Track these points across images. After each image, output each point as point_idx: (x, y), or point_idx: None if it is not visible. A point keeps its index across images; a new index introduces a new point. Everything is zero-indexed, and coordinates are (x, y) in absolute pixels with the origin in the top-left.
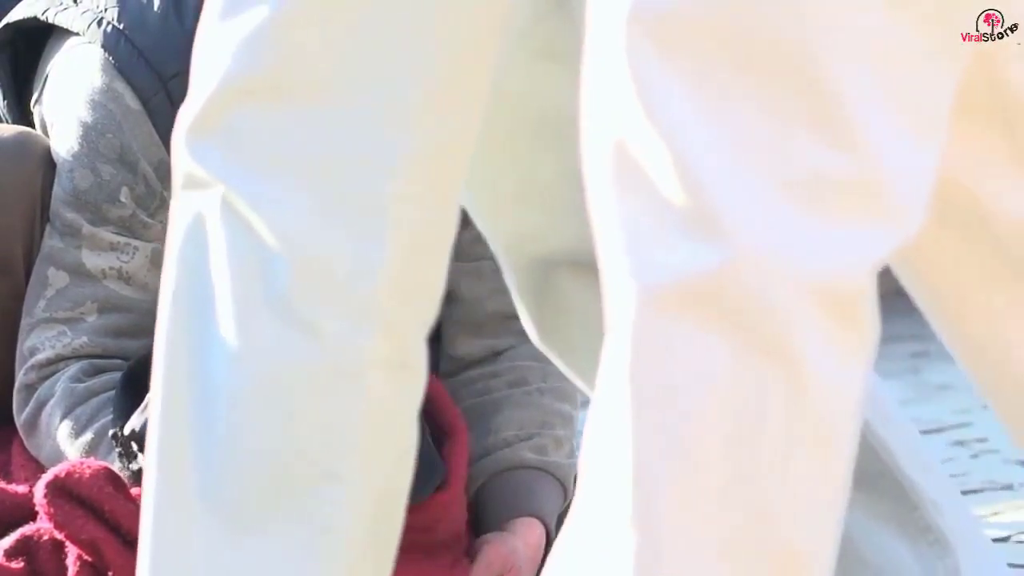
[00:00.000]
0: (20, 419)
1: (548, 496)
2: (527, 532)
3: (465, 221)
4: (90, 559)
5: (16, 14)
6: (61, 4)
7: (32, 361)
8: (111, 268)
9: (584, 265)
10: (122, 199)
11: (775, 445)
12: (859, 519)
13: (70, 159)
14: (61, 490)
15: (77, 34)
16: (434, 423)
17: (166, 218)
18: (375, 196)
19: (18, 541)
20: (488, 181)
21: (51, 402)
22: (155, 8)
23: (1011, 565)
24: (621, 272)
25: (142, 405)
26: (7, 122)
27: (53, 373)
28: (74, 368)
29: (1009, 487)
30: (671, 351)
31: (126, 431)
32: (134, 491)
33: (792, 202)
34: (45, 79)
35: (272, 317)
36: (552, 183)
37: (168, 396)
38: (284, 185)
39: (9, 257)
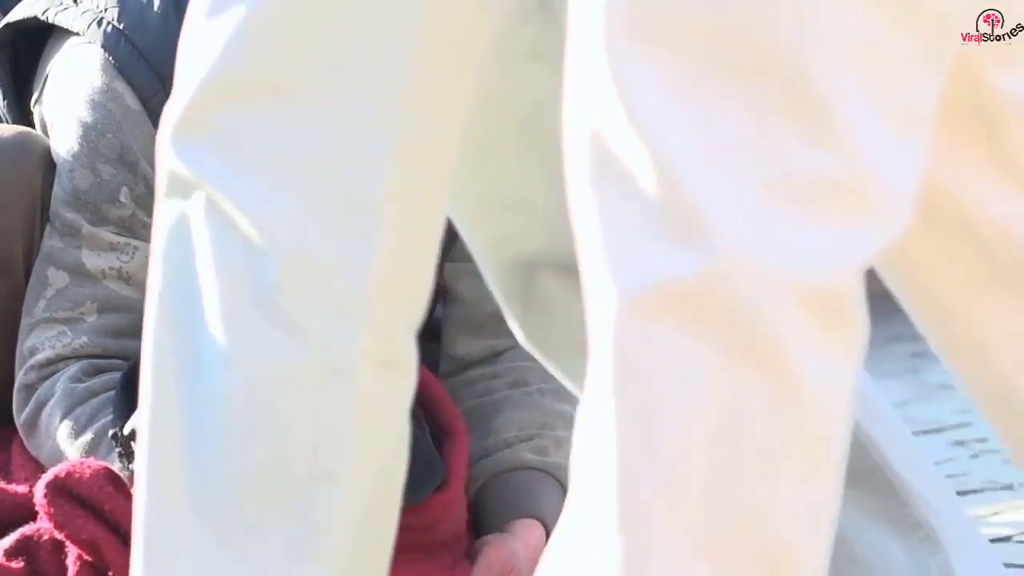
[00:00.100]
0: (20, 419)
1: (548, 497)
2: (527, 534)
3: None
4: (90, 559)
5: (16, 14)
6: (61, 4)
7: (32, 361)
8: (111, 268)
9: (567, 267)
10: (122, 199)
11: (761, 447)
12: (850, 517)
13: (70, 159)
14: (61, 490)
15: (77, 34)
16: (434, 423)
17: None
18: (362, 195)
19: (18, 541)
20: (470, 183)
21: (51, 402)
22: (155, 8)
23: (1012, 565)
24: (602, 276)
25: None
26: (7, 122)
27: (53, 373)
28: (74, 368)
29: (1009, 487)
30: (653, 355)
31: (126, 431)
32: (134, 491)
33: (775, 203)
34: (45, 79)
35: (260, 318)
36: (535, 185)
37: (157, 399)
38: (270, 185)
39: (9, 257)
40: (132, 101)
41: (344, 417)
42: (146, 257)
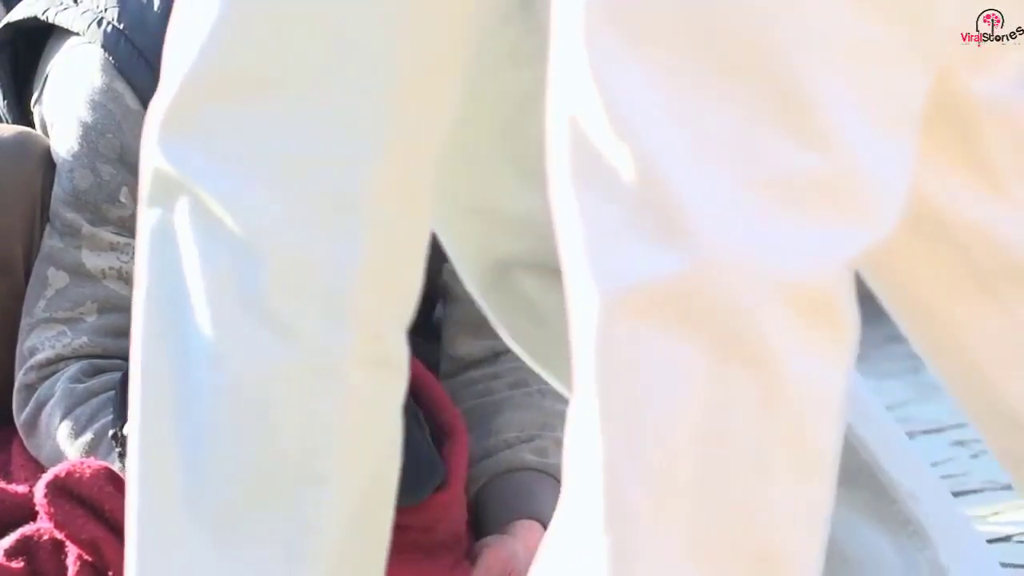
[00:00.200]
0: (20, 419)
1: (548, 498)
2: (527, 535)
3: None
4: (90, 559)
5: (16, 14)
6: (61, 4)
7: (32, 361)
8: (111, 268)
9: (546, 267)
10: (122, 199)
11: (750, 446)
12: (838, 514)
13: (70, 159)
14: (61, 490)
15: (77, 34)
16: (434, 423)
17: None
18: (349, 194)
19: (18, 541)
20: (448, 186)
21: (51, 402)
22: (155, 8)
23: (1013, 565)
24: (585, 277)
25: None
26: (7, 122)
27: (53, 373)
28: (74, 368)
29: (1009, 487)
30: (638, 356)
31: (126, 431)
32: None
33: (761, 202)
34: (45, 79)
35: (248, 318)
36: (513, 188)
37: (146, 401)
38: (257, 184)
39: (9, 257)
40: (132, 101)
41: (334, 417)
42: None
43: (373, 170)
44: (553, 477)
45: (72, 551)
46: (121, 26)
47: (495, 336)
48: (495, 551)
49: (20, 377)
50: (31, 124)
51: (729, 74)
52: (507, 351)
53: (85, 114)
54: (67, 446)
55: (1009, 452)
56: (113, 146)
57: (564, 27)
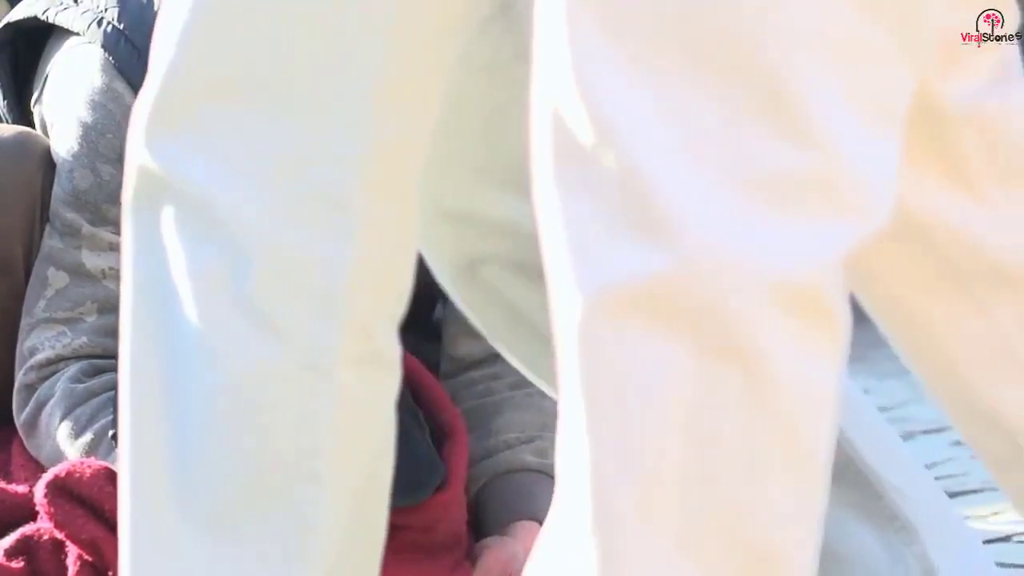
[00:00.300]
0: (20, 419)
1: (548, 499)
2: (527, 536)
3: None
4: (90, 559)
5: (16, 14)
6: (61, 4)
7: (32, 361)
8: (111, 268)
9: (527, 268)
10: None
11: (737, 444)
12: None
13: (70, 159)
14: (61, 490)
15: (77, 34)
16: (434, 423)
17: None
18: (337, 193)
19: (18, 541)
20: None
21: (51, 402)
22: (155, 8)
23: (1013, 565)
24: (568, 276)
25: None
26: (7, 122)
27: (53, 373)
28: (74, 368)
29: None
30: (623, 356)
31: None
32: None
33: (746, 200)
34: (45, 79)
35: (238, 318)
36: (492, 192)
37: (137, 403)
38: (245, 182)
39: (9, 257)
40: (132, 101)
41: (327, 415)
42: None
43: (362, 169)
44: (553, 478)
45: (72, 551)
46: (121, 26)
47: None
48: (495, 553)
49: (20, 377)
50: (31, 124)
51: (715, 72)
52: None
53: (85, 114)
54: (67, 446)
55: (990, 452)
56: (113, 146)
57: (548, 27)
